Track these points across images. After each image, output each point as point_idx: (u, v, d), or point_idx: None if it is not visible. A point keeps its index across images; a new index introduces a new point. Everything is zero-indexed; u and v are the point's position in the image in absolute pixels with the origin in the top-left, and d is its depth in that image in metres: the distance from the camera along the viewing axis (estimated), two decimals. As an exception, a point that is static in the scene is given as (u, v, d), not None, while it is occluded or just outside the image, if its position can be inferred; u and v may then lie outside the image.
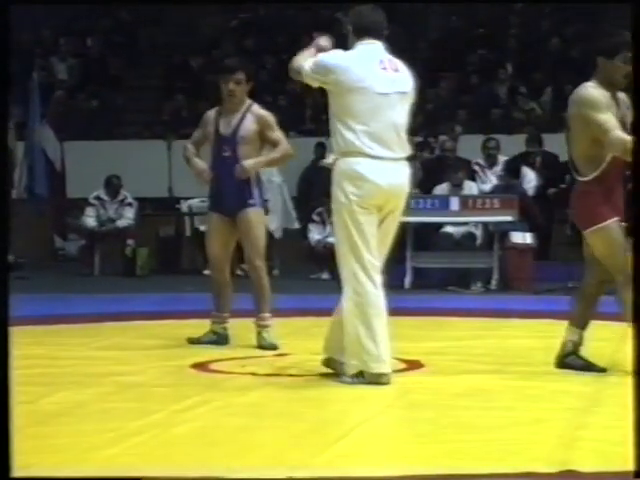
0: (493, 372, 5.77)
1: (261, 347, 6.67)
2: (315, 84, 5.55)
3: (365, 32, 5.50)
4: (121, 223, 13.54)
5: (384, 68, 5.48)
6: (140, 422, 4.39)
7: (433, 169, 12.95)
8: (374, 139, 5.39)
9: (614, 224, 5.59)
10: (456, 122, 14.64)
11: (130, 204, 13.75)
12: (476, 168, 12.86)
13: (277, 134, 6.81)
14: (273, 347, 6.62)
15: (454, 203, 11.60)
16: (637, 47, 2.99)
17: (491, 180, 12.67)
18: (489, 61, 16.04)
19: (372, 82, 5.42)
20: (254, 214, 6.76)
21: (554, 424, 4.36)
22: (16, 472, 3.01)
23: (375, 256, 5.41)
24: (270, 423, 4.54)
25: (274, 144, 6.81)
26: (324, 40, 5.63)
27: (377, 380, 5.26)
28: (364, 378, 5.30)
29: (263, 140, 6.79)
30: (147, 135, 16.00)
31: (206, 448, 4.00)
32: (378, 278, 5.41)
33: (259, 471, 3.65)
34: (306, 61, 5.50)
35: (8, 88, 2.97)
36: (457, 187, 12.04)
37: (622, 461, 3.69)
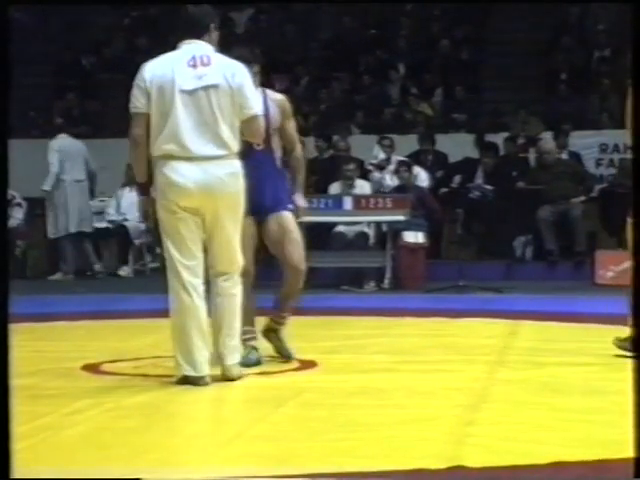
0: (386, 370, 5.82)
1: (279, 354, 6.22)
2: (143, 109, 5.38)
3: (184, 32, 5.48)
4: (10, 223, 13.31)
5: (193, 65, 5.35)
6: (29, 425, 4.33)
7: (327, 169, 13.01)
8: (176, 139, 5.27)
9: None
10: (350, 122, 14.73)
11: (19, 204, 13.54)
12: (370, 167, 12.98)
13: (293, 126, 6.13)
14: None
15: (347, 203, 11.69)
16: (637, 47, 3.01)
17: (385, 179, 12.79)
18: (381, 62, 16.18)
19: (175, 81, 5.31)
20: (291, 217, 6.11)
21: (444, 421, 4.42)
22: None
23: (190, 259, 5.31)
24: (162, 424, 4.52)
25: (288, 140, 6.10)
26: None
27: (197, 382, 5.27)
28: (187, 380, 5.31)
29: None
30: (36, 134, 15.74)
31: (97, 451, 3.96)
32: (194, 282, 5.30)
33: (152, 473, 3.62)
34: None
35: (8, 88, 2.91)
36: (349, 185, 12.12)
37: (511, 456, 3.77)
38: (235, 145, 5.38)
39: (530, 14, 16.41)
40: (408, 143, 13.82)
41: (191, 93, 5.32)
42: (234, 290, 5.50)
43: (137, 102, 5.42)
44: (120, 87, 16.10)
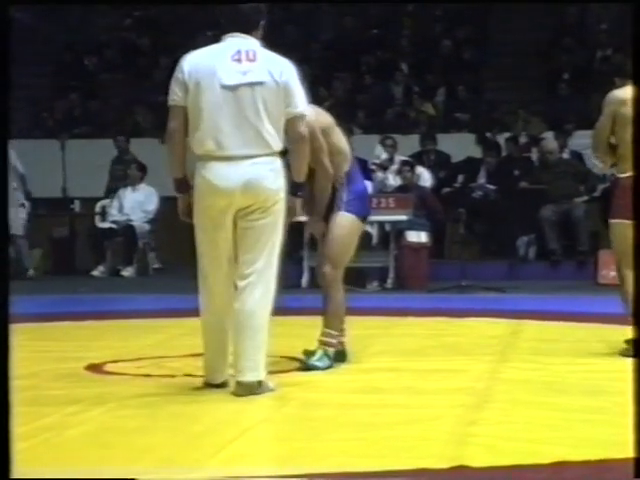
0: (388, 370, 5.82)
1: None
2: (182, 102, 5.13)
3: (231, 27, 5.22)
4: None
5: (238, 59, 5.12)
6: (31, 426, 4.33)
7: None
8: (215, 137, 5.03)
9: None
10: (352, 122, 14.73)
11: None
12: (372, 167, 12.98)
13: None
14: (310, 368, 5.83)
15: (349, 202, 11.67)
16: (637, 47, 3.01)
17: (387, 179, 12.80)
18: (383, 62, 16.18)
19: (216, 74, 5.07)
20: (341, 219, 5.97)
21: (447, 421, 4.42)
22: None
23: (222, 267, 5.14)
24: (164, 424, 4.52)
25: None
26: None
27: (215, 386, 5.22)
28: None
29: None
30: (39, 134, 15.76)
31: (100, 450, 3.97)
32: (223, 289, 5.16)
33: (154, 473, 3.63)
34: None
35: (8, 88, 2.91)
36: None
37: (513, 456, 3.77)
38: (278, 144, 5.11)
39: (531, 14, 16.41)
40: (410, 143, 13.82)
41: (234, 89, 5.06)
42: (256, 292, 5.17)
43: (174, 95, 5.16)
44: (121, 87, 16.23)
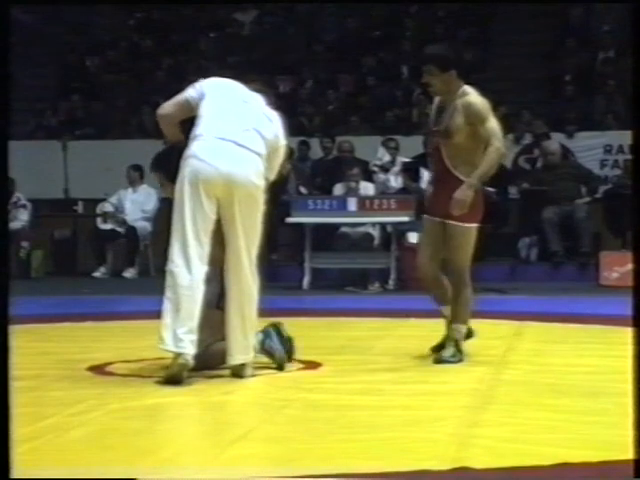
0: (390, 371, 5.83)
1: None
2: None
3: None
4: (14, 225, 13.31)
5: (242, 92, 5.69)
6: (33, 427, 4.34)
7: (331, 170, 13.01)
8: (219, 123, 5.47)
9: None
10: (354, 123, 14.74)
11: (24, 206, 13.56)
12: (374, 169, 12.98)
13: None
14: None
15: (351, 204, 11.69)
16: (637, 47, 3.00)
17: (389, 180, 12.80)
18: (385, 63, 16.19)
19: (229, 89, 5.64)
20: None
21: (448, 422, 4.42)
22: None
23: (201, 243, 5.35)
24: (167, 426, 4.52)
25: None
26: None
27: (175, 359, 5.31)
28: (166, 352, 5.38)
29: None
30: (41, 135, 15.77)
31: (102, 451, 3.97)
32: (199, 264, 5.36)
33: (155, 474, 3.63)
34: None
35: (8, 88, 2.92)
36: (352, 186, 12.12)
37: (515, 457, 3.77)
38: (264, 153, 5.54)
39: (534, 15, 16.41)
40: (413, 144, 13.82)
41: (241, 103, 5.60)
42: (245, 281, 5.47)
43: (191, 93, 5.61)
44: (124, 88, 16.24)
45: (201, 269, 5.37)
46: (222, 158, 5.40)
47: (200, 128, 5.49)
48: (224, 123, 5.48)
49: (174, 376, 5.30)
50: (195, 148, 5.43)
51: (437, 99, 6.18)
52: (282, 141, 5.71)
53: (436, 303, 6.31)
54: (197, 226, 5.35)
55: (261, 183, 5.51)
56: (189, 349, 5.32)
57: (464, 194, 5.92)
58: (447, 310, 6.24)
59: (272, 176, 5.67)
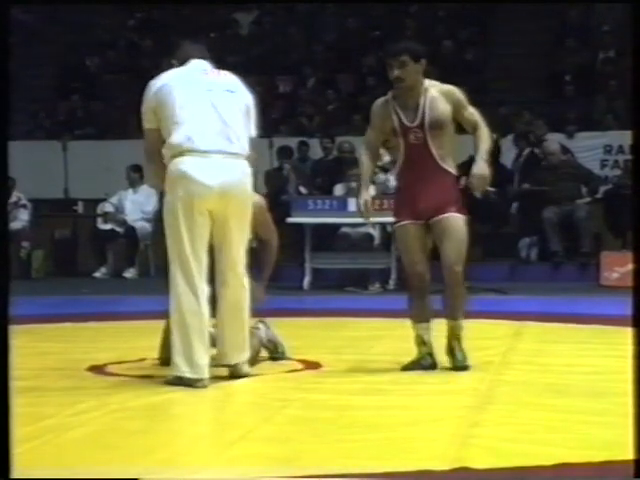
0: (390, 372, 5.83)
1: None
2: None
3: (189, 58, 5.61)
4: (15, 225, 13.31)
5: (206, 74, 5.51)
6: (33, 426, 4.34)
7: (331, 170, 13.01)
8: (198, 132, 5.32)
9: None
10: (355, 123, 14.73)
11: (24, 206, 13.56)
12: (375, 169, 12.96)
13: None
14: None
15: (352, 204, 11.67)
16: (637, 47, 3.01)
17: (389, 180, 12.79)
18: (385, 63, 16.18)
19: (193, 81, 5.44)
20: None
21: (448, 422, 4.42)
22: None
23: (198, 261, 5.31)
24: (167, 426, 4.52)
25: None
26: None
27: (194, 384, 5.26)
28: (182, 382, 5.29)
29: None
30: (41, 135, 15.77)
31: (102, 452, 3.97)
32: (202, 284, 5.32)
33: (156, 474, 3.63)
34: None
35: (9, 88, 2.92)
36: (353, 186, 12.12)
37: (515, 457, 3.77)
38: (247, 148, 5.45)
39: (534, 15, 16.40)
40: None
41: (210, 91, 5.40)
42: (240, 283, 5.48)
43: (145, 124, 5.46)
44: (124, 88, 16.24)
45: (204, 289, 5.34)
46: (214, 174, 5.31)
47: (179, 136, 5.30)
48: (204, 129, 5.31)
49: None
50: (185, 167, 5.29)
51: (380, 103, 6.18)
52: (249, 98, 5.54)
53: (416, 319, 6.14)
54: (195, 245, 5.31)
55: (250, 182, 5.48)
56: (205, 373, 5.31)
57: (483, 168, 5.79)
58: (427, 329, 6.16)
59: (254, 132, 5.55)
